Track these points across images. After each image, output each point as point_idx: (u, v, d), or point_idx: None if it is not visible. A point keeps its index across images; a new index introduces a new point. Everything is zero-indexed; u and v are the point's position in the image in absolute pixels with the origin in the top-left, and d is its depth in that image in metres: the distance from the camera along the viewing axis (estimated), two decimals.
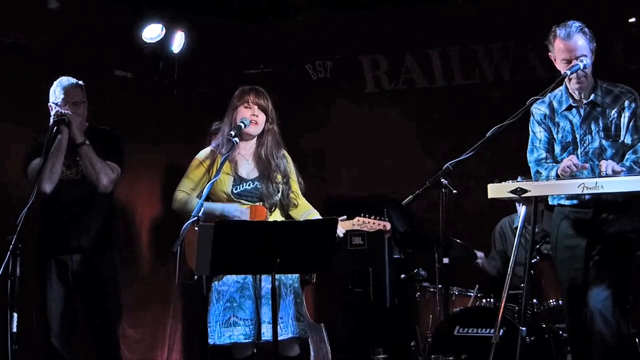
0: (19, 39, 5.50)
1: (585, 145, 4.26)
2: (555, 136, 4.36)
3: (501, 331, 4.39)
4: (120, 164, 4.69)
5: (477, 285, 5.73)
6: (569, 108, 4.32)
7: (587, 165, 4.14)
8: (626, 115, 4.22)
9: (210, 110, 5.88)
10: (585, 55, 4.16)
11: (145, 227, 6.48)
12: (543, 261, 5.49)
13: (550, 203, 4.43)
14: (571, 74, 4.16)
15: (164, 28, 6.16)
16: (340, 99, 7.08)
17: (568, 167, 4.08)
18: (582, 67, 4.14)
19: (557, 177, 4.13)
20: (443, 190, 4.09)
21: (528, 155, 4.43)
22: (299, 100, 6.94)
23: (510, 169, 4.93)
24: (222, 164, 4.26)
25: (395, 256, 6.49)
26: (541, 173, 4.31)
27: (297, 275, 4.48)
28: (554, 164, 4.28)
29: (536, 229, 4.47)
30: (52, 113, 4.53)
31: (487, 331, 5.13)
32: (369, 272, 6.39)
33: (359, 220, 4.50)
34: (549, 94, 4.30)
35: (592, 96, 4.26)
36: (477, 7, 6.48)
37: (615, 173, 3.98)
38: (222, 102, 4.61)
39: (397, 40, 6.82)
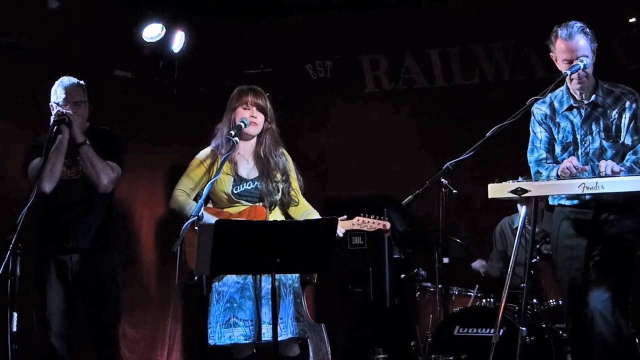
0: (19, 39, 5.49)
1: (585, 145, 4.26)
2: (555, 136, 4.35)
3: (501, 331, 4.38)
4: (121, 164, 4.68)
5: (477, 285, 5.73)
6: (570, 108, 4.31)
7: (587, 167, 4.14)
8: (627, 116, 4.21)
9: (210, 110, 5.86)
10: (587, 56, 4.15)
11: (145, 227, 6.47)
12: (543, 261, 5.49)
13: (550, 203, 4.42)
14: (572, 73, 4.15)
15: (164, 28, 6.15)
16: (340, 99, 7.07)
17: (568, 168, 4.07)
18: (582, 67, 4.13)
19: (558, 177, 4.13)
20: (443, 190, 4.09)
21: (528, 155, 4.43)
22: (299, 100, 6.94)
23: (511, 169, 4.93)
24: (222, 163, 4.26)
25: (395, 256, 6.48)
26: (541, 173, 4.30)
27: (297, 275, 4.48)
28: (555, 164, 4.28)
29: (536, 229, 4.47)
30: (53, 113, 4.53)
31: (487, 331, 5.12)
32: (369, 272, 6.37)
33: (358, 220, 4.49)
34: (550, 94, 4.30)
35: (593, 97, 4.26)
36: (477, 7, 6.47)
37: (614, 173, 3.98)
38: (222, 102, 4.61)
39: (397, 40, 6.82)
